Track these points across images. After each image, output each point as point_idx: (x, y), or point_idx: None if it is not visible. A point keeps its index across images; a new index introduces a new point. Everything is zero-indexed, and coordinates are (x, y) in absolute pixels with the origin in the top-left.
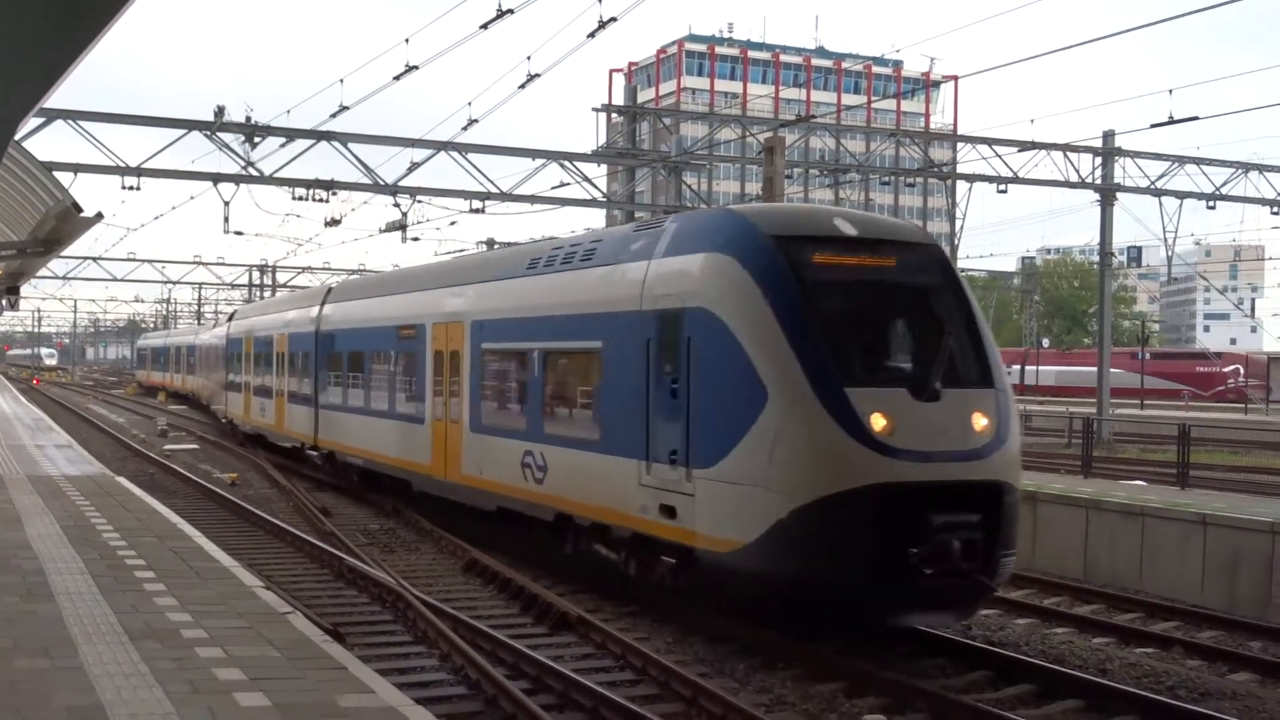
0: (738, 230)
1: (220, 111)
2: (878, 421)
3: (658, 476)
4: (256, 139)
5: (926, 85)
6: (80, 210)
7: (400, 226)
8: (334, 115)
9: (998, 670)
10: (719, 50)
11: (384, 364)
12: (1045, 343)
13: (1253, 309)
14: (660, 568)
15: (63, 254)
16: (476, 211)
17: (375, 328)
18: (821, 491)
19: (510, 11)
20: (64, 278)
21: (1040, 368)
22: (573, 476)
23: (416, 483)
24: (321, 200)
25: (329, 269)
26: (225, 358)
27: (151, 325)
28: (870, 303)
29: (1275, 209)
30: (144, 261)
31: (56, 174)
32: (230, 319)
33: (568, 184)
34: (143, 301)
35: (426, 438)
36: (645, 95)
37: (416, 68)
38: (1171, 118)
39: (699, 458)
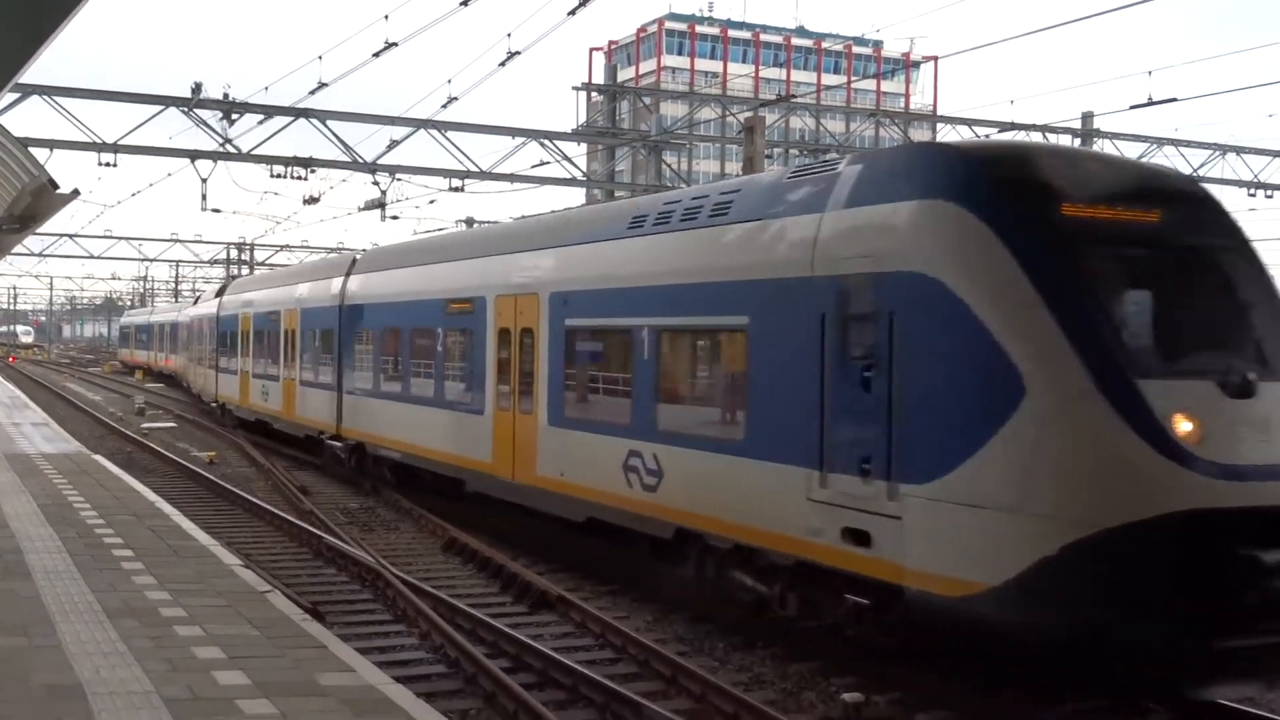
0: (964, 171)
1: (197, 88)
2: (1182, 425)
3: (839, 491)
4: (234, 116)
5: (906, 66)
6: (56, 187)
7: (379, 205)
8: (312, 92)
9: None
10: (699, 29)
11: (428, 344)
12: None
13: None
14: (841, 609)
15: (39, 231)
16: (456, 190)
17: (417, 302)
18: (1109, 520)
19: None
20: (40, 255)
21: None
22: (702, 485)
23: (472, 482)
24: (300, 178)
25: (307, 247)
26: (217, 336)
27: (129, 303)
28: (1147, 268)
29: (1252, 191)
30: (121, 239)
31: (32, 150)
32: (221, 293)
33: (547, 163)
34: (120, 279)
35: (486, 431)
36: (625, 74)
37: (396, 45)
38: (1150, 99)
39: (911, 469)
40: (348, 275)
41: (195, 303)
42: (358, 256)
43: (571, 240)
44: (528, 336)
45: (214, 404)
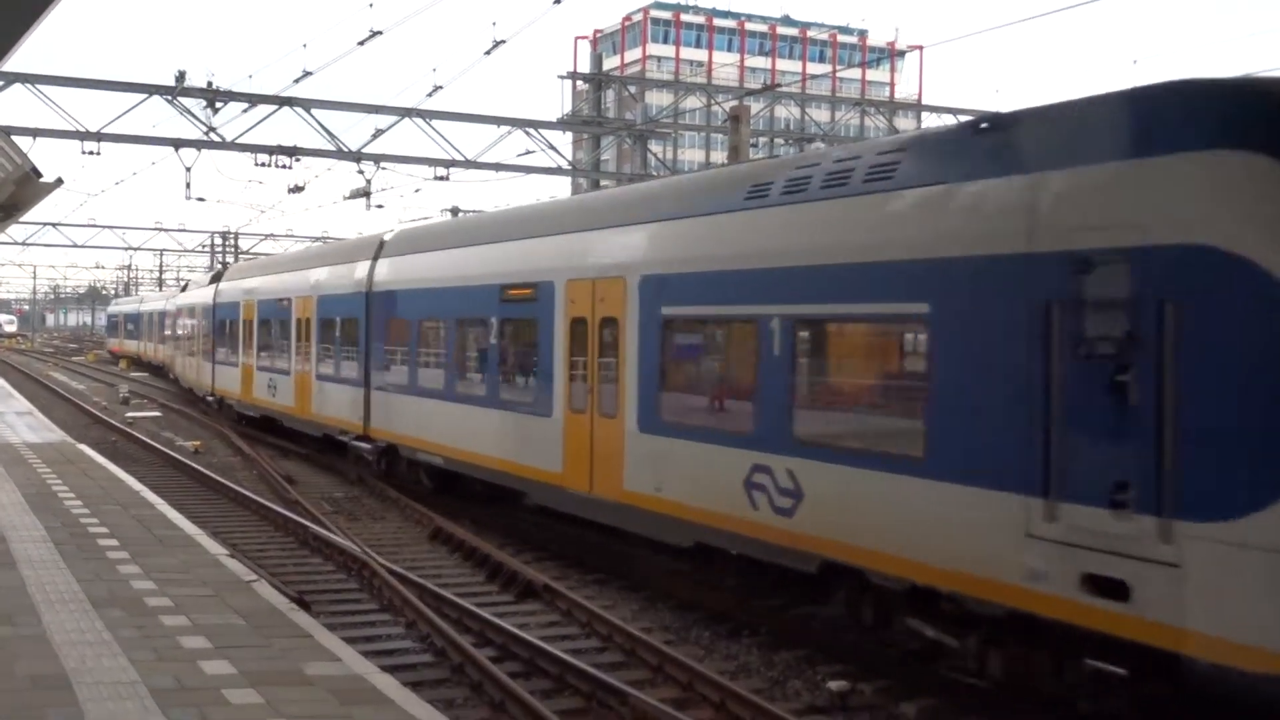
0: (1264, 115)
1: (181, 76)
2: None
3: (1077, 526)
4: (218, 104)
5: (891, 54)
6: (40, 175)
7: (364, 194)
8: (297, 80)
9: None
10: (684, 18)
11: (479, 335)
12: None
13: None
14: (1081, 673)
15: (22, 219)
16: (441, 179)
17: (464, 288)
18: None
19: None
20: (23, 243)
21: None
22: (861, 510)
23: (537, 495)
24: (284, 167)
25: (292, 236)
26: (214, 325)
27: (114, 292)
28: None
29: None
30: (105, 227)
31: (15, 138)
32: (217, 279)
33: (532, 152)
34: (103, 268)
35: (554, 436)
36: (611, 63)
37: (381, 33)
38: None
39: (1196, 502)
40: (375, 259)
41: (183, 290)
42: (385, 239)
43: (668, 214)
44: (610, 327)
45: (210, 398)
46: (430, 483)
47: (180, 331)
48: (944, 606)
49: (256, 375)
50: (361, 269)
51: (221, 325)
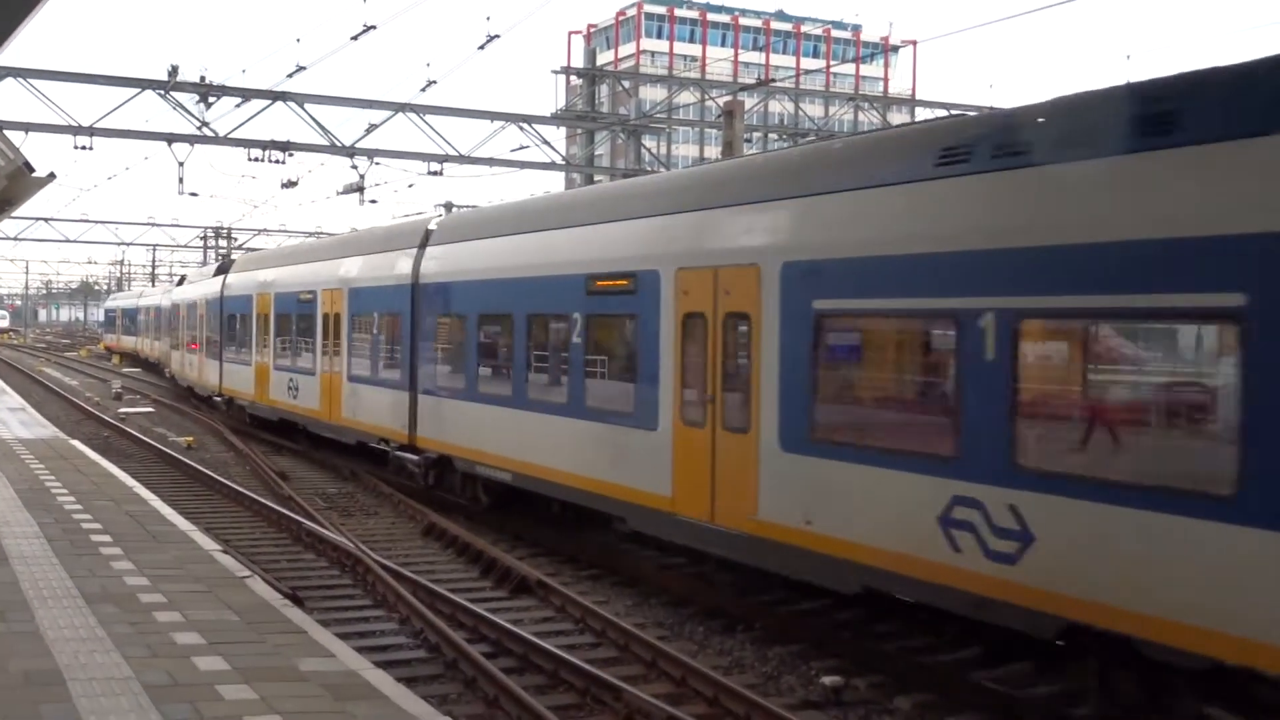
0: None
1: (174, 71)
2: None
3: None
4: (211, 99)
5: (885, 49)
6: (32, 170)
7: (358, 189)
8: (290, 75)
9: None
10: (678, 13)
11: (557, 332)
12: None
13: None
14: None
15: (14, 214)
16: (435, 174)
17: (538, 279)
18: None
19: None
20: (15, 238)
21: None
22: (1132, 563)
23: (637, 520)
24: (278, 162)
25: (285, 231)
26: (222, 320)
27: (106, 287)
28: None
29: None
30: (97, 222)
31: (7, 133)
32: (224, 271)
33: (526, 147)
34: (96, 263)
35: (660, 452)
36: (604, 58)
37: (374, 27)
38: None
39: None
40: (423, 247)
41: (180, 284)
42: (432, 225)
43: (818, 187)
44: (738, 324)
45: (217, 398)
46: (488, 498)
47: (177, 326)
48: (1260, 693)
49: (273, 375)
50: (405, 260)
51: (231, 320)
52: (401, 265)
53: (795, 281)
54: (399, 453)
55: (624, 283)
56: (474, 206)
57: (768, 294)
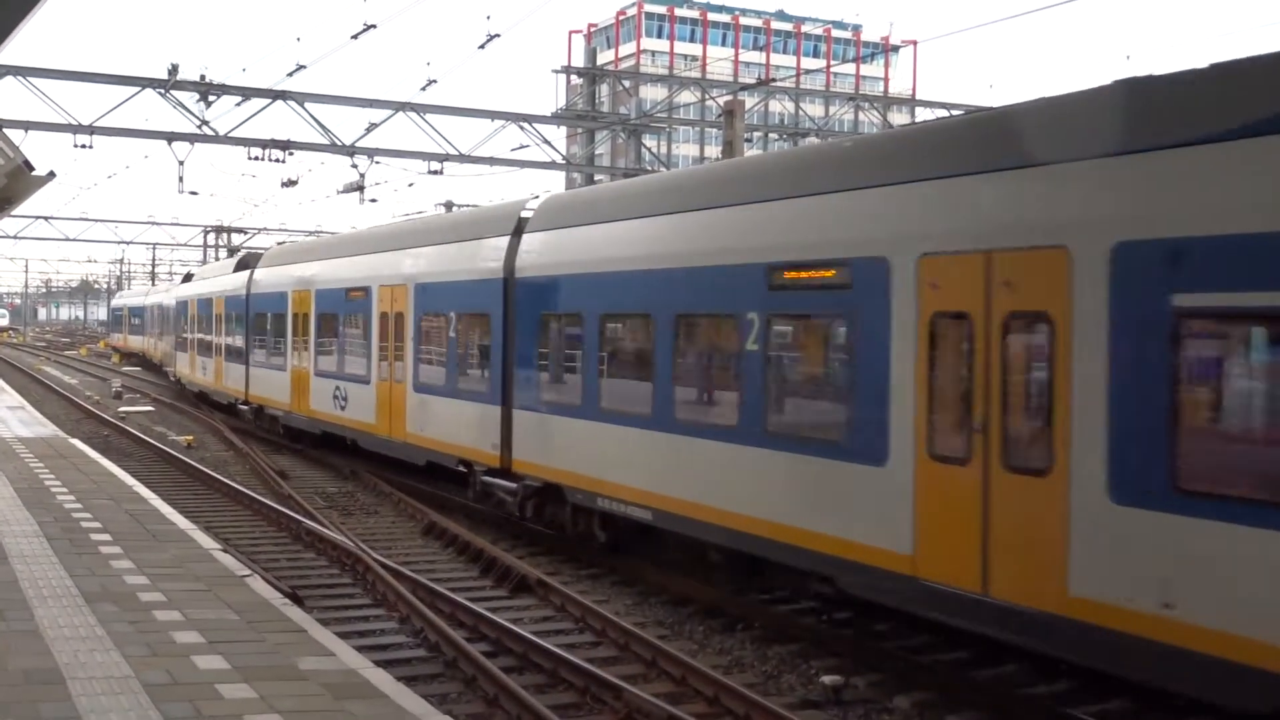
0: None
1: (174, 69)
2: None
3: None
4: (211, 98)
5: (886, 49)
6: (32, 169)
7: (358, 188)
8: (291, 74)
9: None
10: (678, 12)
11: (723, 337)
12: None
13: None
14: None
15: (13, 213)
16: (435, 173)
17: (694, 270)
18: None
19: None
20: (15, 237)
21: None
22: None
23: (855, 581)
24: (278, 161)
25: (285, 230)
26: (248, 320)
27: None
28: None
29: None
30: (97, 221)
31: (7, 131)
32: (245, 266)
33: (526, 146)
34: (95, 262)
35: (893, 495)
36: (604, 57)
37: (375, 26)
38: None
39: None
40: (518, 234)
41: (184, 281)
42: (526, 212)
43: (1183, 135)
44: (1029, 327)
45: (242, 405)
46: (605, 536)
47: (186, 327)
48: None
49: (314, 382)
50: (494, 250)
51: (260, 320)
52: (489, 257)
53: (1136, 270)
54: (489, 478)
55: (830, 273)
56: (585, 188)
57: (1081, 287)
